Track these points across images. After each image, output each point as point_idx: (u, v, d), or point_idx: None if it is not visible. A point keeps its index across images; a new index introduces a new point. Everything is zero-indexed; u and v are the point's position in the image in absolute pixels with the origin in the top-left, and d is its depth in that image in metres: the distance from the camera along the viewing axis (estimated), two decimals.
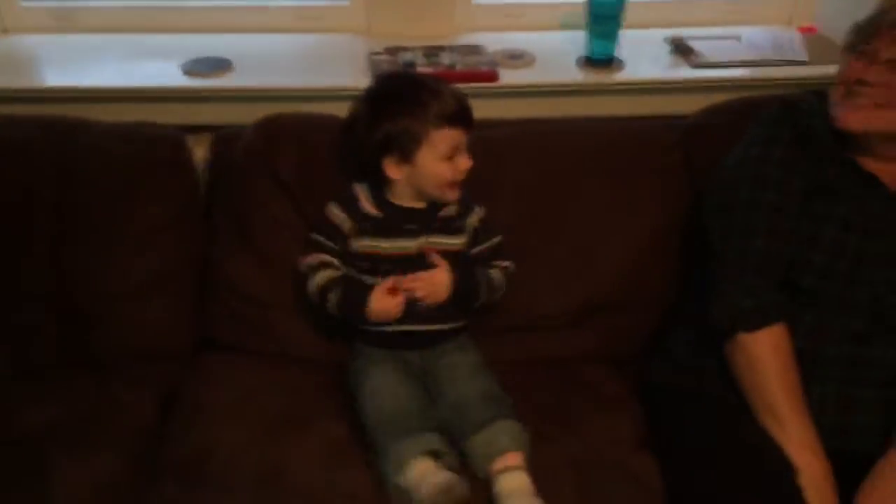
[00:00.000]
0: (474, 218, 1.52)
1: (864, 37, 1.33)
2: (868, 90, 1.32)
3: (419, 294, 1.43)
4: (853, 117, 1.35)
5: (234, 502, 1.28)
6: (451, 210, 1.50)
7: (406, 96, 1.42)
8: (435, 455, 1.30)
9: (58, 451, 1.33)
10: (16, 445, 1.35)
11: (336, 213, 1.49)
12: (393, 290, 1.43)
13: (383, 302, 1.42)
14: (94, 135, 1.61)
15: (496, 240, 1.54)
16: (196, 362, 1.58)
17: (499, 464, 1.30)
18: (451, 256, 1.48)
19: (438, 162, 1.42)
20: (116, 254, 1.58)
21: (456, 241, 1.50)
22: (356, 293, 1.44)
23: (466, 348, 1.49)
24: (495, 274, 1.51)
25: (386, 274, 1.45)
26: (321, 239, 1.49)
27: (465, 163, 1.43)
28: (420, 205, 1.48)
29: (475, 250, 1.52)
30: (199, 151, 1.71)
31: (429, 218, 1.48)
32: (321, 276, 1.46)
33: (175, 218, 1.61)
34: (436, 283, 1.44)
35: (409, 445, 1.29)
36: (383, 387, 1.39)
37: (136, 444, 1.40)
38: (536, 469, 1.32)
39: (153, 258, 1.59)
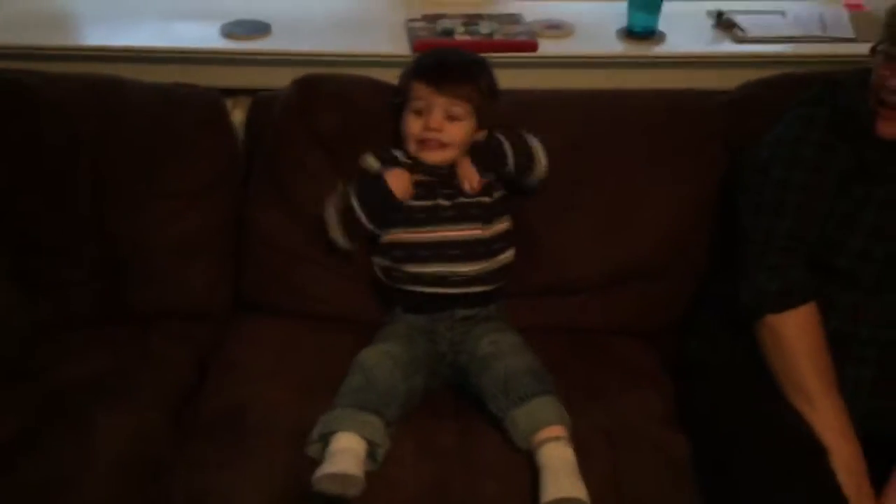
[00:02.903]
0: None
1: (892, 38, 1.29)
2: None
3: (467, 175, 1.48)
4: (886, 129, 1.33)
5: (267, 459, 1.30)
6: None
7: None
8: (369, 444, 1.28)
9: (98, 403, 1.36)
10: (57, 396, 1.38)
11: (370, 161, 1.53)
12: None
13: (399, 178, 1.48)
14: (134, 94, 1.62)
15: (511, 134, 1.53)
16: (233, 322, 1.60)
17: (543, 434, 1.30)
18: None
19: (410, 115, 1.49)
20: (156, 212, 1.59)
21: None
22: (371, 182, 1.49)
23: (506, 329, 1.50)
24: (513, 134, 1.52)
25: (416, 222, 1.50)
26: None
27: (433, 121, 1.45)
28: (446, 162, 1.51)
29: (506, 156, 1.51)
30: (238, 114, 1.71)
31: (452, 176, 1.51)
32: (331, 198, 1.50)
33: (214, 178, 1.62)
34: (464, 171, 1.50)
35: (349, 417, 1.29)
36: (381, 363, 1.37)
37: (174, 399, 1.43)
38: None
39: (192, 218, 1.60)
